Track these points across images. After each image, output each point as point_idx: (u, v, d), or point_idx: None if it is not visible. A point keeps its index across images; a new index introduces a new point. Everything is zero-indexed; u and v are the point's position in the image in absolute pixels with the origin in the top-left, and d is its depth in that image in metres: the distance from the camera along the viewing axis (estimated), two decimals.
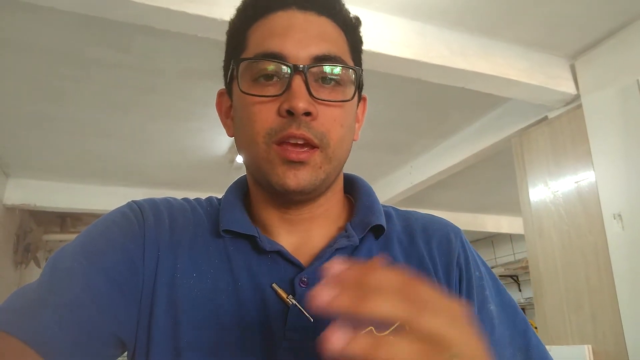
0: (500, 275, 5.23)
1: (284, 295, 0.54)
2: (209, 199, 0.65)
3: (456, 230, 0.65)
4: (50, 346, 0.46)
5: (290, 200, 0.57)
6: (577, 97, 2.23)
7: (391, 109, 2.66)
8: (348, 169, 0.66)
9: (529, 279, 2.58)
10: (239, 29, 0.59)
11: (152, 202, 0.60)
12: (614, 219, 2.00)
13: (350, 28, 0.61)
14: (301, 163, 0.53)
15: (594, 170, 2.11)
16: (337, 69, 0.55)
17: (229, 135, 0.62)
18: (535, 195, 2.41)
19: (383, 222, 0.60)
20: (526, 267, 4.60)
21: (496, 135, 2.73)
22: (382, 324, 0.31)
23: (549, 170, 2.35)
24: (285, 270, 0.56)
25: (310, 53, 0.54)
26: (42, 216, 4.12)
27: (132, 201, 0.60)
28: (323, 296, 0.32)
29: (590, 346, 2.06)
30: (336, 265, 0.35)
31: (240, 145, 0.58)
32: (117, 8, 1.57)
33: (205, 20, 1.62)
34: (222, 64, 0.62)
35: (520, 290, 5.60)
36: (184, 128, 2.85)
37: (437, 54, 1.97)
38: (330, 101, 0.54)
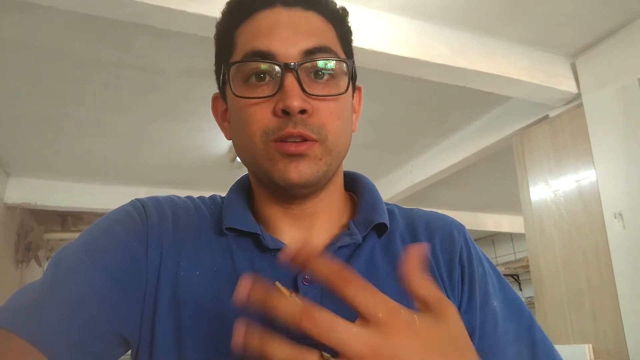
0: None
1: (287, 293, 0.54)
2: (213, 197, 0.65)
3: (459, 226, 0.65)
4: (53, 345, 0.46)
5: (293, 194, 0.57)
6: (578, 95, 2.23)
7: (392, 108, 2.66)
8: (349, 168, 0.66)
9: (530, 278, 2.58)
10: (226, 32, 0.59)
11: (156, 200, 0.60)
12: (615, 217, 2.00)
13: (338, 19, 0.60)
14: (301, 156, 0.52)
15: (594, 169, 2.11)
16: (330, 63, 0.54)
17: (226, 138, 0.62)
18: (536, 194, 2.41)
19: (386, 220, 0.60)
20: (527, 266, 4.61)
21: (497, 134, 2.73)
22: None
23: (550, 169, 2.35)
24: (288, 268, 0.56)
25: (300, 48, 0.54)
26: (43, 215, 4.12)
27: (136, 199, 0.60)
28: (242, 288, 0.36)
29: (590, 345, 2.06)
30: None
31: (238, 147, 0.58)
32: (118, 7, 1.56)
33: (205, 19, 1.62)
34: None
35: (520, 290, 5.61)
36: (184, 127, 2.85)
37: (437, 53, 1.97)
38: (324, 96, 0.54)
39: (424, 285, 0.37)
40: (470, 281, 0.60)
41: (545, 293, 2.31)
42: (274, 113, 0.52)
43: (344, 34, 0.61)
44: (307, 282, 0.54)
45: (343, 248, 0.57)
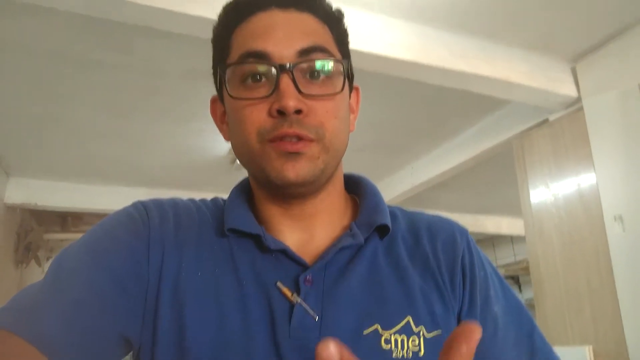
0: None
1: (288, 293, 0.54)
2: (214, 200, 0.65)
3: (462, 230, 0.65)
4: (55, 346, 0.46)
5: (292, 194, 0.57)
6: (578, 100, 2.23)
7: (392, 111, 2.66)
8: (349, 170, 0.67)
9: (530, 280, 2.58)
10: (222, 35, 0.59)
11: (158, 202, 0.61)
12: (615, 220, 2.00)
13: (334, 21, 0.61)
14: (298, 154, 0.53)
15: (594, 172, 2.11)
16: (325, 63, 0.55)
17: (225, 140, 0.63)
18: (536, 197, 2.41)
19: (388, 222, 0.60)
20: (527, 269, 4.60)
21: (497, 137, 2.73)
22: None
23: (550, 173, 2.35)
24: (290, 269, 0.56)
25: (295, 49, 0.54)
26: (43, 215, 4.11)
27: (138, 201, 0.60)
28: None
29: (591, 347, 2.06)
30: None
31: (236, 148, 0.58)
32: (119, 9, 1.57)
33: (207, 21, 1.62)
34: None
35: (520, 292, 5.60)
36: (185, 129, 2.85)
37: (437, 57, 1.97)
38: (320, 95, 0.54)
39: None
40: (472, 285, 0.60)
41: (545, 295, 2.31)
42: (270, 114, 0.53)
43: (340, 35, 0.61)
44: (308, 283, 0.55)
45: (345, 249, 0.58)
